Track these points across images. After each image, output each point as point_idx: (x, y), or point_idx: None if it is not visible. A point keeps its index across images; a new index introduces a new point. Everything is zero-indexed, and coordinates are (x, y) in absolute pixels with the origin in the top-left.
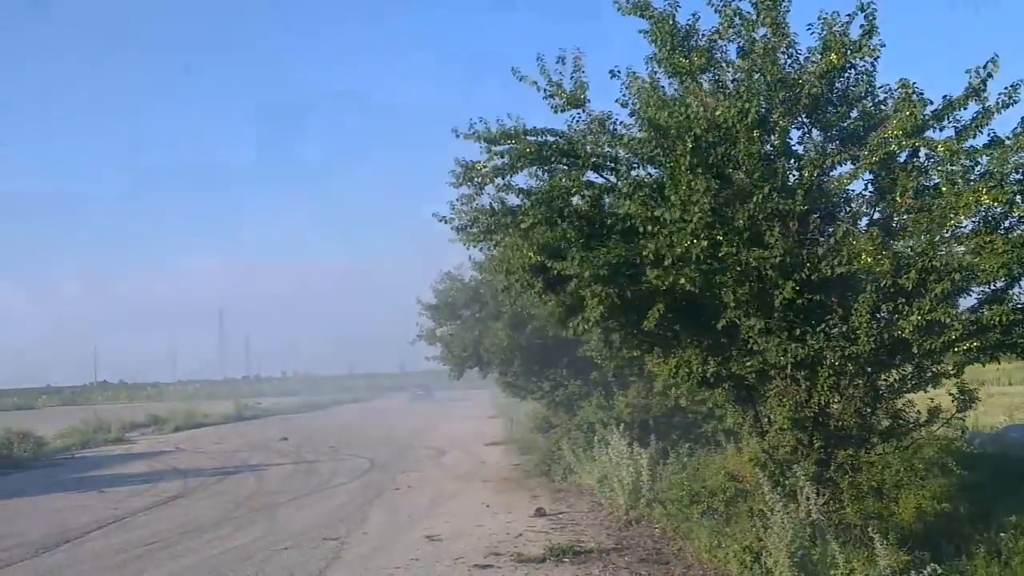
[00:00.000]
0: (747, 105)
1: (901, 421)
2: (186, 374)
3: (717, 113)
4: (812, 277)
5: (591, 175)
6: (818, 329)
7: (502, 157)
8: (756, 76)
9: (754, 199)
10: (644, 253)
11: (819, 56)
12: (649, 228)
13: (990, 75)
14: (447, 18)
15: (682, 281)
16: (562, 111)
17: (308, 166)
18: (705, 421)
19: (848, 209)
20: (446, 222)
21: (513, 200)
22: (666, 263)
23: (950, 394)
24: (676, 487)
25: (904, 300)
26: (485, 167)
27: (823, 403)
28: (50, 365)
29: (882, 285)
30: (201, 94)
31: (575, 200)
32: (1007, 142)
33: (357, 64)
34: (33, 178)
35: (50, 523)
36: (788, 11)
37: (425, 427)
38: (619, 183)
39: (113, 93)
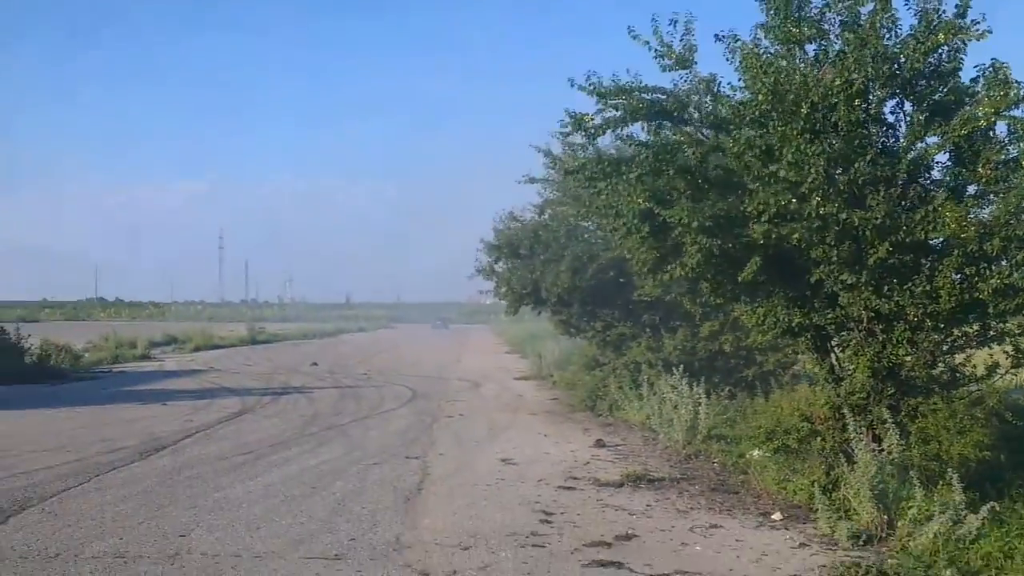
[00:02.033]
0: (853, 76)
1: (958, 375)
2: (182, 295)
3: (834, 81)
4: (906, 240)
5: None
6: (904, 287)
7: (616, 111)
8: (862, 50)
9: (856, 164)
10: (748, 208)
11: (923, 34)
12: (758, 185)
13: None
14: None
15: (794, 237)
16: (670, 71)
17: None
18: (746, 366)
19: (928, 176)
20: (554, 163)
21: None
22: (764, 219)
23: (1005, 352)
24: (742, 424)
25: (986, 264)
26: (593, 119)
27: (896, 355)
28: (47, 279)
29: (968, 250)
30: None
31: (682, 155)
32: None
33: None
34: (40, 91)
35: (136, 431)
36: None
37: (446, 360)
38: (724, 141)
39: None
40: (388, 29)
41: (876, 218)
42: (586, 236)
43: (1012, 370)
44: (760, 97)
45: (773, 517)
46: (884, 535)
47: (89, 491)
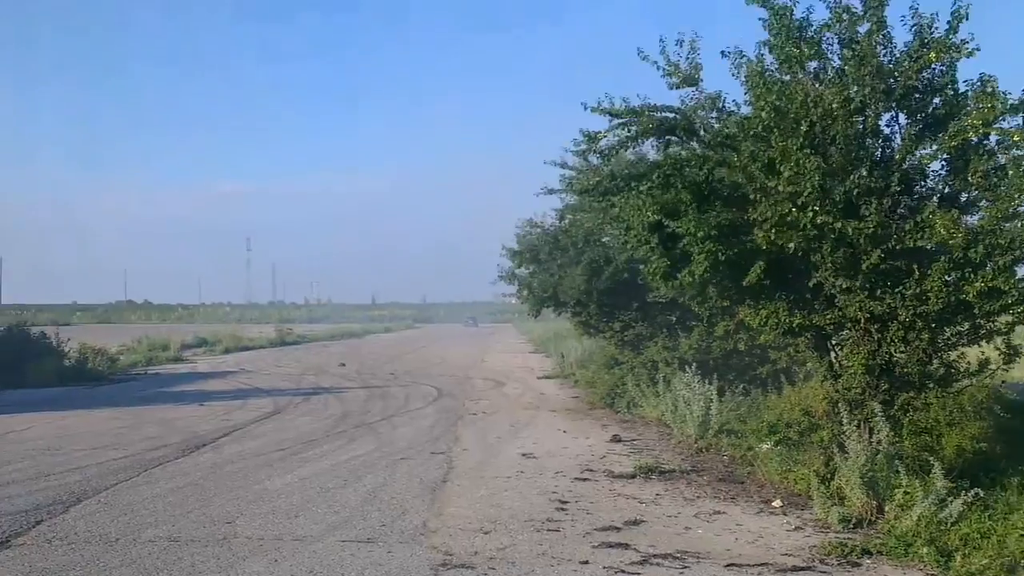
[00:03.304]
0: (852, 93)
1: (953, 370)
2: (210, 297)
3: (827, 100)
4: (897, 247)
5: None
6: (895, 290)
7: (627, 130)
8: (860, 68)
9: (851, 177)
10: (750, 218)
11: (916, 51)
12: (758, 197)
13: None
14: None
15: (791, 245)
16: (677, 88)
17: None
18: (760, 364)
19: (924, 184)
20: (569, 184)
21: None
22: (766, 227)
23: (997, 349)
24: (753, 420)
25: (971, 269)
26: (604, 136)
27: (891, 353)
28: (76, 282)
29: (954, 256)
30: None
31: (689, 170)
32: None
33: None
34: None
35: (177, 430)
36: (887, 6)
37: (471, 360)
38: (730, 156)
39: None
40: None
41: (869, 227)
42: (604, 240)
43: (1003, 366)
44: (763, 114)
45: (773, 504)
46: (873, 519)
47: (139, 484)
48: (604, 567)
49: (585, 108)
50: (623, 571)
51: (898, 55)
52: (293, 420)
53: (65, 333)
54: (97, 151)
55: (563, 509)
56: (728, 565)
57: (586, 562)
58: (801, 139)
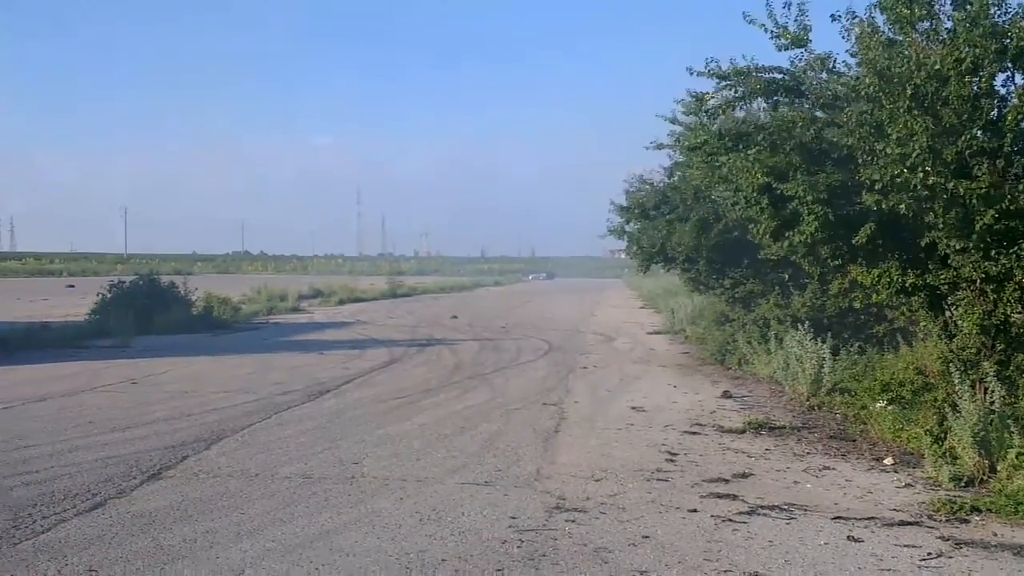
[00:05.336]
0: (962, 54)
1: None
2: (322, 249)
3: (933, 62)
4: (1011, 207)
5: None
6: (1011, 251)
7: (733, 91)
8: (971, 28)
9: (963, 137)
10: (860, 179)
11: None
12: (867, 158)
13: None
14: None
15: (902, 208)
16: (786, 50)
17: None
18: (876, 322)
19: None
20: (677, 140)
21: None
22: (877, 188)
23: None
24: (867, 379)
25: None
26: (713, 98)
27: (1007, 313)
28: (198, 234)
29: None
30: None
31: (798, 131)
32: None
33: None
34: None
35: (301, 376)
36: None
37: (581, 314)
38: (839, 118)
39: None
40: None
41: (981, 188)
42: (713, 197)
43: None
44: (868, 79)
45: (885, 462)
46: (985, 478)
47: (271, 426)
48: (712, 516)
49: (691, 72)
50: (731, 520)
51: (1013, 15)
52: (409, 370)
53: (189, 282)
54: (206, 103)
55: (672, 460)
56: (835, 518)
57: (694, 510)
58: (908, 101)
